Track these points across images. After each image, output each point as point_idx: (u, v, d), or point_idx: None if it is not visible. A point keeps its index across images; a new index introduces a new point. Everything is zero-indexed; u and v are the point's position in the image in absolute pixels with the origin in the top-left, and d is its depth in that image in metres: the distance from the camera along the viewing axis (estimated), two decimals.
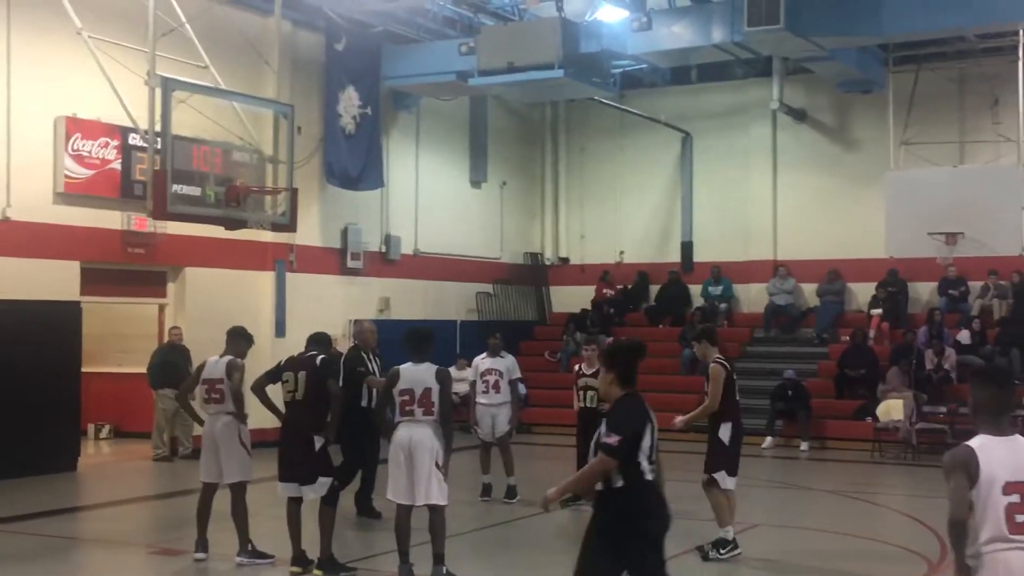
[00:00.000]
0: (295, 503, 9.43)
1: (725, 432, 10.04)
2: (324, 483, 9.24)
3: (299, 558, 9.38)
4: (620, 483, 5.96)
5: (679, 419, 10.27)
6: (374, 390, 11.58)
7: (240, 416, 9.82)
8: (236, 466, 9.78)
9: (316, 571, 9.23)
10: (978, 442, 4.90)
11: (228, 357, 9.96)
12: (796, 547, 11.07)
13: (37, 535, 11.29)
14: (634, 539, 5.96)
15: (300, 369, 9.42)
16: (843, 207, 22.33)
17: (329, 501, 9.29)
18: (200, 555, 9.84)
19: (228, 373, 9.83)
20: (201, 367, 10.11)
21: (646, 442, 6.02)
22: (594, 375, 12.47)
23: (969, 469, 4.82)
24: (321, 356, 9.52)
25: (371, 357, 12.02)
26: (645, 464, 6.00)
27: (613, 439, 5.94)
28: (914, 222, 18.55)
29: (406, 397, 8.72)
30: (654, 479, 6.07)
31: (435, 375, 8.76)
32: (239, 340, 10.12)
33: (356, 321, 12.48)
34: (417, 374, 8.76)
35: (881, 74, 21.09)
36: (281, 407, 9.70)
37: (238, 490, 9.80)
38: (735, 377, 10.27)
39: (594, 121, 24.79)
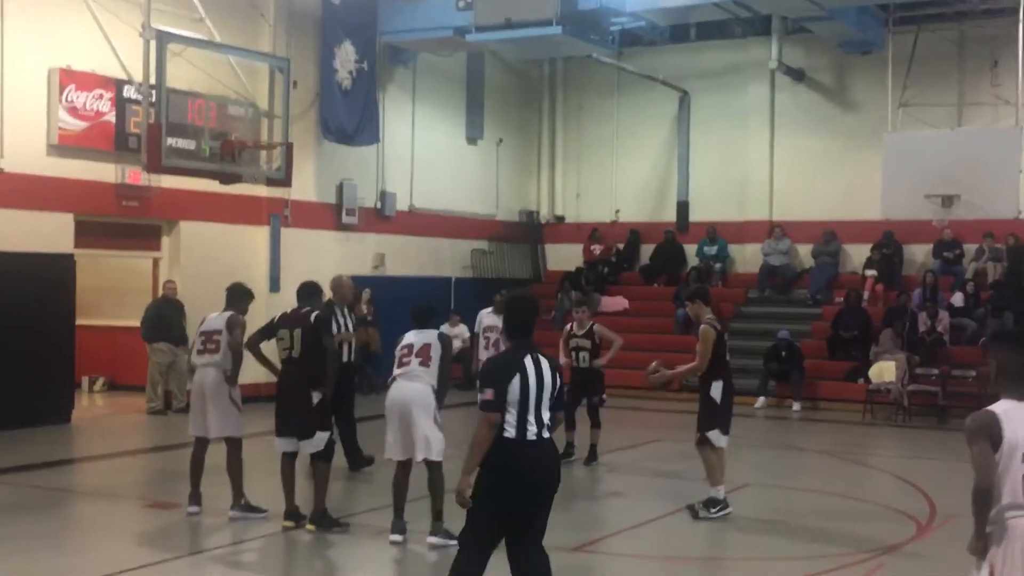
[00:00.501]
0: (290, 458, 9.47)
1: (716, 391, 10.08)
2: (321, 438, 9.28)
3: (292, 513, 9.44)
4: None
5: (659, 369, 10.29)
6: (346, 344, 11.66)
7: (233, 376, 9.79)
8: (227, 422, 9.77)
9: (309, 526, 9.29)
10: (1002, 407, 4.83)
11: (229, 312, 9.94)
12: (786, 507, 11.13)
13: (31, 487, 11.33)
14: (484, 497, 5.96)
15: (295, 326, 9.42)
16: (840, 168, 22.29)
17: (324, 456, 9.33)
18: (193, 509, 9.88)
19: (229, 327, 9.80)
20: (202, 323, 10.08)
21: (512, 396, 5.94)
22: (585, 335, 12.57)
23: (992, 434, 4.75)
24: (315, 313, 9.53)
25: (344, 312, 11.96)
26: (511, 418, 5.94)
27: (487, 394, 5.96)
28: (911, 184, 18.50)
29: (404, 351, 8.87)
30: (525, 436, 5.95)
31: (437, 336, 8.99)
32: (240, 297, 10.07)
33: (336, 276, 12.51)
34: (419, 335, 8.95)
35: (880, 35, 20.96)
36: (276, 363, 9.72)
37: (233, 444, 9.82)
38: (726, 338, 10.30)
39: (592, 79, 24.67)
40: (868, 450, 15.53)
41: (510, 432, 5.94)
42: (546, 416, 6.04)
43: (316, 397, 9.25)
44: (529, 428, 5.97)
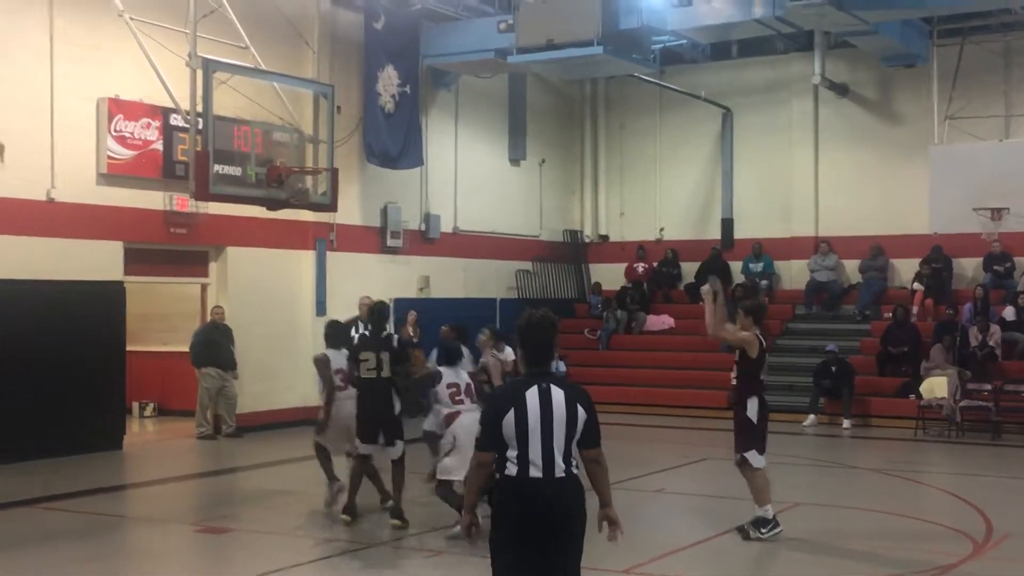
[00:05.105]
0: (366, 461, 10.61)
1: (752, 410, 9.99)
2: (400, 446, 10.43)
3: (350, 508, 10.57)
4: (497, 475, 5.54)
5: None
6: None
7: (326, 409, 11.02)
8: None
9: (395, 521, 10.26)
10: None
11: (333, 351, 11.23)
12: (838, 526, 11.01)
13: (85, 513, 11.45)
14: (494, 540, 5.55)
15: (382, 350, 10.46)
16: (886, 182, 22.09)
17: (402, 461, 10.46)
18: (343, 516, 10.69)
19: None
20: (325, 362, 11.13)
21: (508, 431, 5.43)
22: None
23: None
24: (396, 336, 11.35)
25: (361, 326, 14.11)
26: (512, 454, 5.42)
27: (480, 431, 5.67)
28: (959, 197, 18.31)
29: (453, 390, 10.03)
30: (528, 474, 5.41)
31: (467, 375, 10.43)
32: (341, 333, 11.68)
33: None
34: (457, 374, 10.26)
35: (925, 47, 20.80)
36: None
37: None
38: (764, 346, 10.09)
39: (634, 97, 24.66)
40: (921, 467, 15.33)
41: (511, 470, 5.43)
42: (561, 452, 5.44)
43: (397, 407, 10.42)
44: (532, 465, 5.41)
